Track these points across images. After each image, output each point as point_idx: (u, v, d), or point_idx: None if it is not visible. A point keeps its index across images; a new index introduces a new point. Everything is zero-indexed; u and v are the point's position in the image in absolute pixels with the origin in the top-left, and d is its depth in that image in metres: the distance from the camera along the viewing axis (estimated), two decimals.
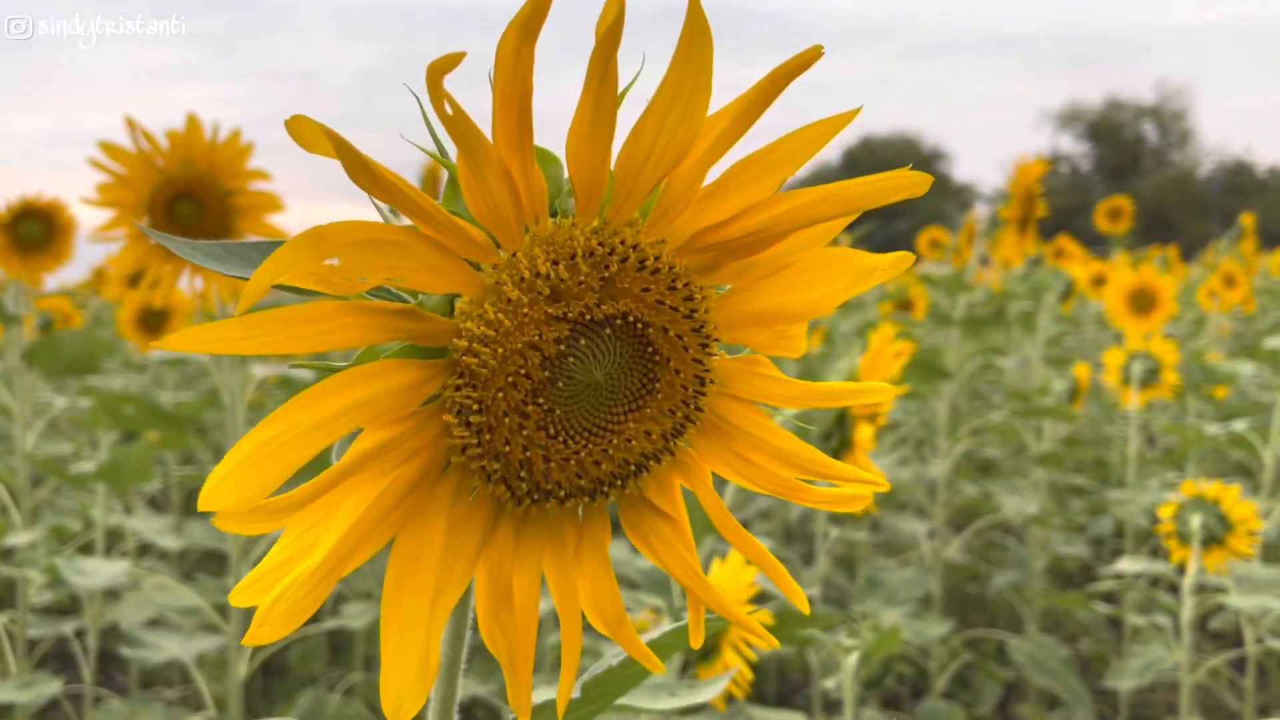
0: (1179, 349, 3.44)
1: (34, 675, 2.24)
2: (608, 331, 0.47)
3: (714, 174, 0.49)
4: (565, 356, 0.46)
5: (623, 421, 0.49)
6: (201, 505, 0.37)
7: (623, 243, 0.46)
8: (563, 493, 0.48)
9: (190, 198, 1.82)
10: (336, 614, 2.38)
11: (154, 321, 3.14)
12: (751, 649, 1.51)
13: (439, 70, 0.38)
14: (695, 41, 0.43)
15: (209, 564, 3.50)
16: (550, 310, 0.45)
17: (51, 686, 2.18)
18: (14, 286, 2.69)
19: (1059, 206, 3.47)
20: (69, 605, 3.11)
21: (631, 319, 0.47)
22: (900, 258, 0.52)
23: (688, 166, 0.47)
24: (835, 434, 1.93)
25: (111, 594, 2.78)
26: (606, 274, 0.46)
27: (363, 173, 0.39)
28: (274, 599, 0.42)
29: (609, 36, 0.40)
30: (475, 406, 0.45)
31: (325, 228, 0.40)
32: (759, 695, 3.11)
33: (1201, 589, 2.56)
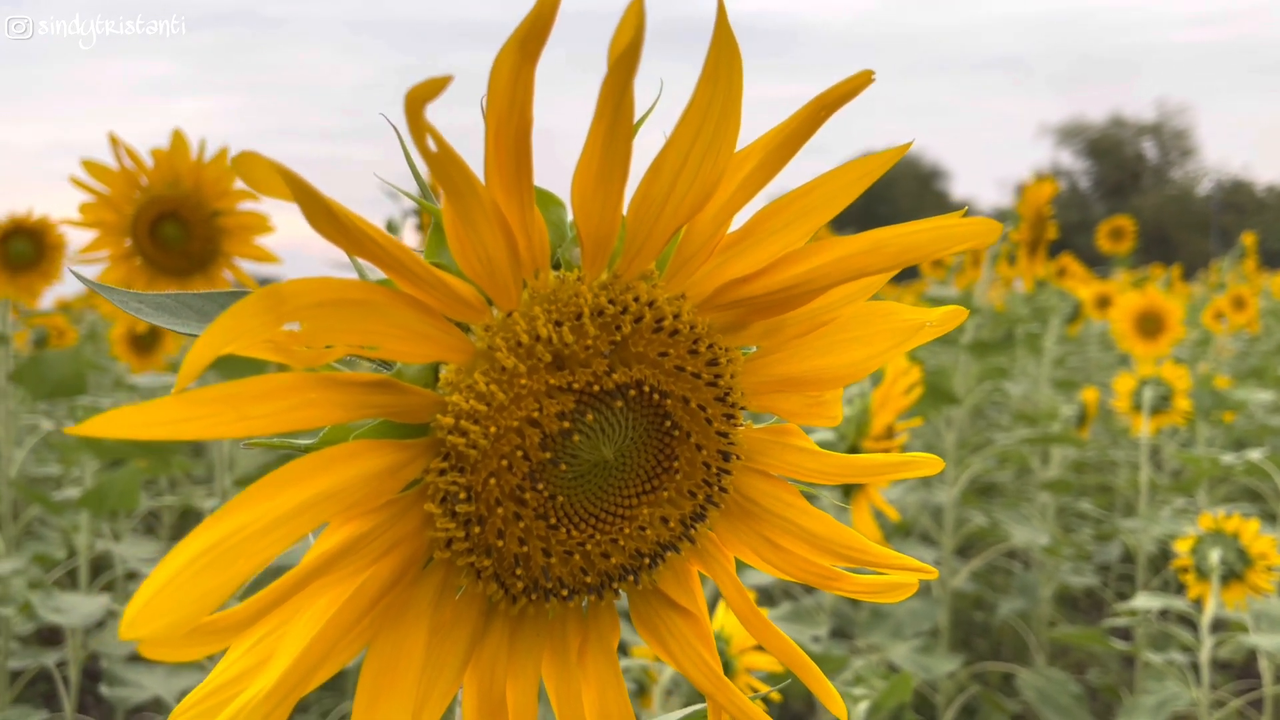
0: (1187, 372, 3.37)
1: (15, 710, 2.16)
2: (619, 403, 0.40)
3: (739, 218, 0.42)
4: (570, 434, 0.39)
5: (635, 506, 0.42)
6: (123, 634, 0.30)
7: (637, 299, 0.39)
8: (565, 591, 0.41)
9: (175, 218, 1.75)
10: None
11: (145, 340, 3.07)
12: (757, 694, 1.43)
13: (420, 98, 0.31)
14: (723, 64, 0.37)
15: None
16: (552, 380, 0.38)
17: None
18: (1, 306, 2.62)
19: (1057, 223, 3.41)
20: (54, 631, 3.03)
21: (647, 389, 0.40)
22: (952, 313, 0.45)
23: (712, 211, 0.40)
24: None
25: (95, 623, 2.69)
26: (618, 336, 0.39)
27: (326, 219, 0.33)
28: None
29: (624, 62, 0.33)
30: (463, 494, 0.38)
31: (283, 286, 0.33)
32: None
33: (1217, 624, 2.49)
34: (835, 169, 0.41)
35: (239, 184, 1.76)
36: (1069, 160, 43.28)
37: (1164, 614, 3.26)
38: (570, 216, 0.42)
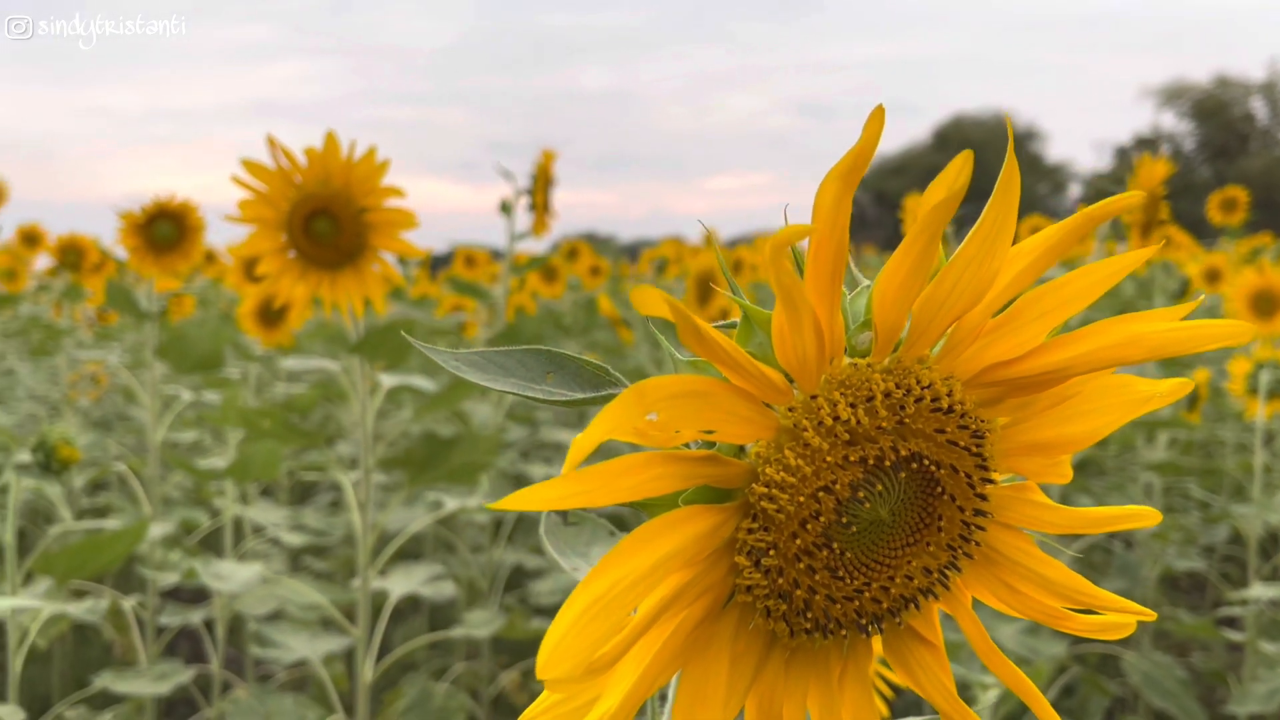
0: None
1: (166, 664, 2.33)
2: (903, 475, 0.46)
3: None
4: (861, 501, 0.45)
5: (901, 556, 0.48)
6: (540, 673, 0.38)
7: (918, 382, 0.46)
8: (843, 632, 0.48)
9: (326, 214, 1.86)
10: (461, 621, 2.42)
11: (273, 316, 3.23)
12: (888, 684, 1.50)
13: (785, 241, 0.38)
14: (1009, 190, 0.42)
15: (311, 548, 3.63)
16: (849, 455, 0.44)
17: (183, 675, 2.27)
18: (147, 284, 2.79)
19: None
20: (189, 585, 3.24)
21: (926, 461, 0.46)
22: (1179, 385, 0.50)
23: (982, 306, 0.46)
24: None
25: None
26: (903, 416, 0.45)
27: (694, 335, 0.39)
28: None
29: (938, 212, 0.40)
30: (771, 551, 0.45)
31: (645, 384, 0.40)
32: None
33: None
34: (1088, 266, 0.47)
35: (385, 181, 1.86)
36: (1171, 122, 41.64)
37: (1275, 603, 3.21)
38: (847, 303, 0.49)
